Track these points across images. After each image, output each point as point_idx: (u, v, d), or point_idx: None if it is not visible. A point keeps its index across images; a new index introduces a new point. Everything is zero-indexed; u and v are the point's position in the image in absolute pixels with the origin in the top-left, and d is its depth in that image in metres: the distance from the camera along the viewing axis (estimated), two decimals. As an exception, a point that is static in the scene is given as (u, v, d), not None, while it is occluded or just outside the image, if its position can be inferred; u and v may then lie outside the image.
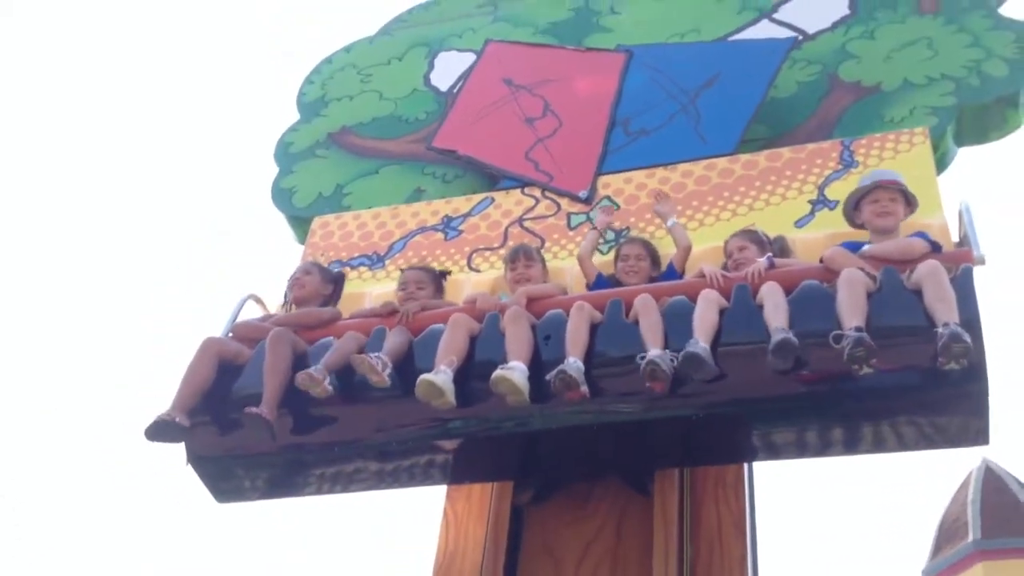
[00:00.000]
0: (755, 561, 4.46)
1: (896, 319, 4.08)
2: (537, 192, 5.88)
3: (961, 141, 5.66)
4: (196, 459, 4.73)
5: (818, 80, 6.04)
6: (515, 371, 4.17)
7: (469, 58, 7.00)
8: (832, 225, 5.09)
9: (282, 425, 4.56)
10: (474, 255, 5.69)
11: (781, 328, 4.01)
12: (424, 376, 4.20)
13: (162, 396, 4.63)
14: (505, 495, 4.79)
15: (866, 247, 4.47)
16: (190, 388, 4.62)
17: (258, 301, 5.55)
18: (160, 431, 4.45)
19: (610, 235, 5.49)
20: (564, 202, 5.78)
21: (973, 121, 5.63)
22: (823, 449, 4.36)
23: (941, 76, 5.73)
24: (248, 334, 5.00)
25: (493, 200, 5.94)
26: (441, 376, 4.22)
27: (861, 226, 4.71)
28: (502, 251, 5.62)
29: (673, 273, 4.95)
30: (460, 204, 5.99)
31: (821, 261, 4.50)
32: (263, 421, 4.35)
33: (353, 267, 5.86)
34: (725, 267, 4.88)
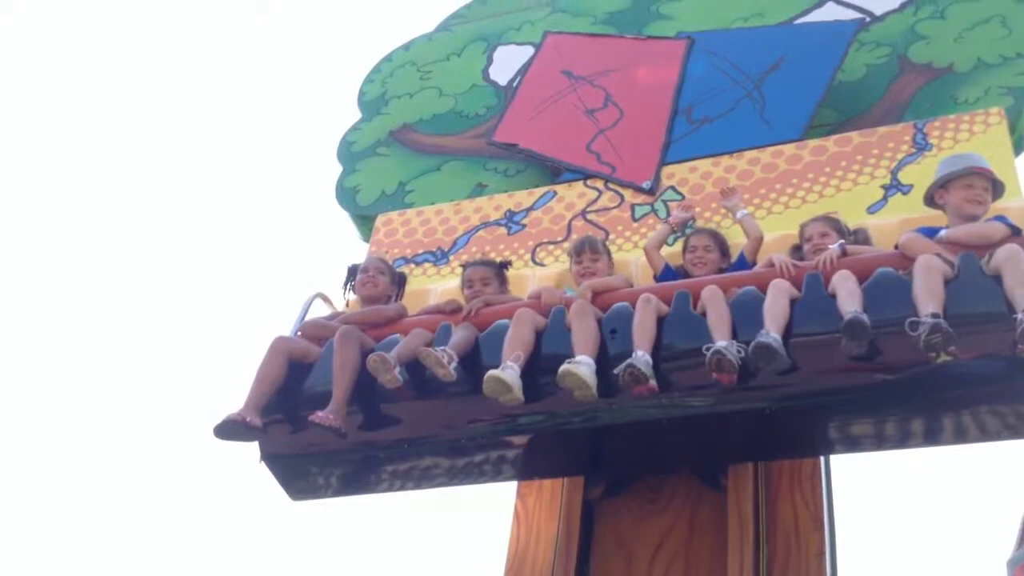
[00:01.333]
0: (834, 556, 4.36)
1: (975, 305, 3.95)
2: (600, 184, 5.82)
3: (1039, 121, 5.48)
4: (269, 457, 4.75)
5: (887, 62, 5.89)
6: (582, 365, 4.12)
7: (528, 51, 6.95)
8: (906, 210, 4.96)
9: (352, 423, 4.55)
10: (538, 249, 5.65)
11: (855, 310, 3.90)
12: (491, 372, 4.16)
13: (232, 395, 4.66)
14: (576, 490, 4.74)
15: (943, 232, 4.33)
16: (261, 388, 4.64)
17: (325, 299, 5.56)
18: (230, 431, 4.47)
19: (676, 225, 5.41)
20: (628, 193, 5.71)
21: (1051, 100, 5.44)
22: (902, 441, 4.24)
23: (1016, 55, 5.55)
24: (317, 332, 5.00)
25: (555, 193, 5.89)
26: (508, 372, 4.18)
27: (940, 207, 4.56)
28: (566, 244, 5.58)
29: (744, 263, 4.86)
30: (522, 198, 5.94)
31: (896, 247, 4.37)
32: (330, 429, 4.35)
33: (418, 264, 5.85)
34: (801, 250, 4.77)
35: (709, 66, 6.17)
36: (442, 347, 4.35)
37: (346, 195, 6.60)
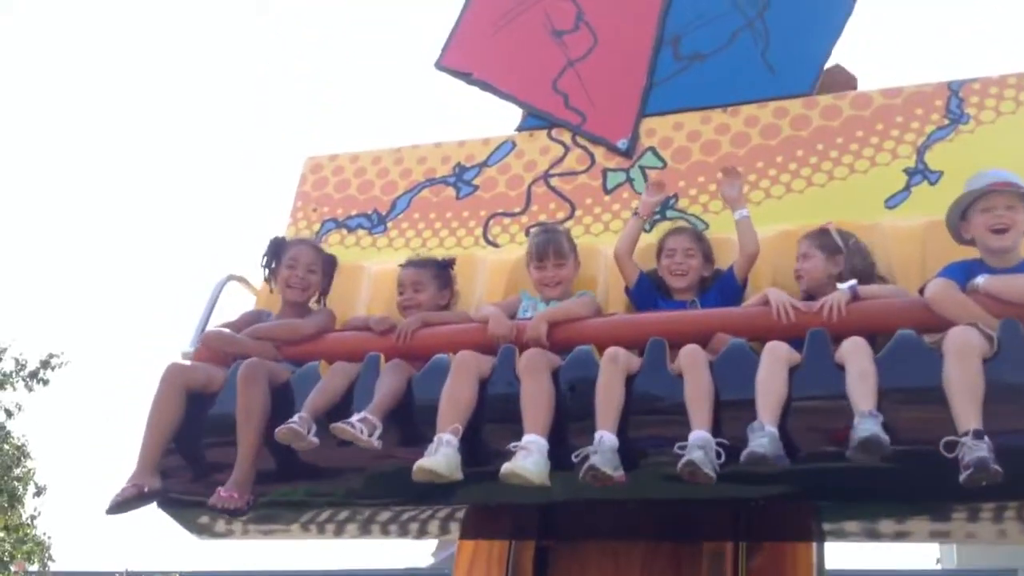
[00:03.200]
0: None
1: (1016, 395, 3.19)
2: (567, 137, 4.86)
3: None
4: (168, 504, 4.06)
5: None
6: (530, 457, 3.36)
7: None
8: (933, 207, 4.07)
9: (260, 478, 3.84)
10: (491, 222, 4.77)
11: (868, 414, 3.13)
12: (421, 463, 3.41)
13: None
14: (527, 544, 4.10)
15: (981, 280, 3.49)
16: (156, 438, 3.91)
17: (241, 281, 4.74)
18: (127, 505, 3.78)
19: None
20: (599, 153, 4.77)
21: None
22: (907, 538, 3.57)
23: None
24: (221, 347, 4.22)
25: (514, 146, 4.94)
26: (442, 455, 3.42)
27: (970, 242, 3.70)
28: (524, 218, 4.71)
29: (732, 282, 4.03)
30: (475, 149, 4.99)
31: (921, 293, 3.55)
32: (232, 512, 3.65)
33: (350, 229, 4.97)
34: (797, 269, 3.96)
35: (703, -21, 5.07)
36: (361, 415, 3.57)
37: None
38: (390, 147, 5.15)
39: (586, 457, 3.33)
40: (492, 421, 3.63)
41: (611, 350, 3.58)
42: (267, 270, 4.57)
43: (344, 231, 4.96)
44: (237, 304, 4.77)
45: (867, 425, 3.09)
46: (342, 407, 3.76)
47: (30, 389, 16.10)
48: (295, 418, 3.64)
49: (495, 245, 4.69)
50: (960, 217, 3.71)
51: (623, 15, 5.07)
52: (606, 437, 3.38)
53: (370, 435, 3.54)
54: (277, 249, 4.55)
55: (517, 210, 4.74)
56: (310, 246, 4.57)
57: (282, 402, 3.89)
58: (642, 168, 4.65)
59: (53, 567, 15.59)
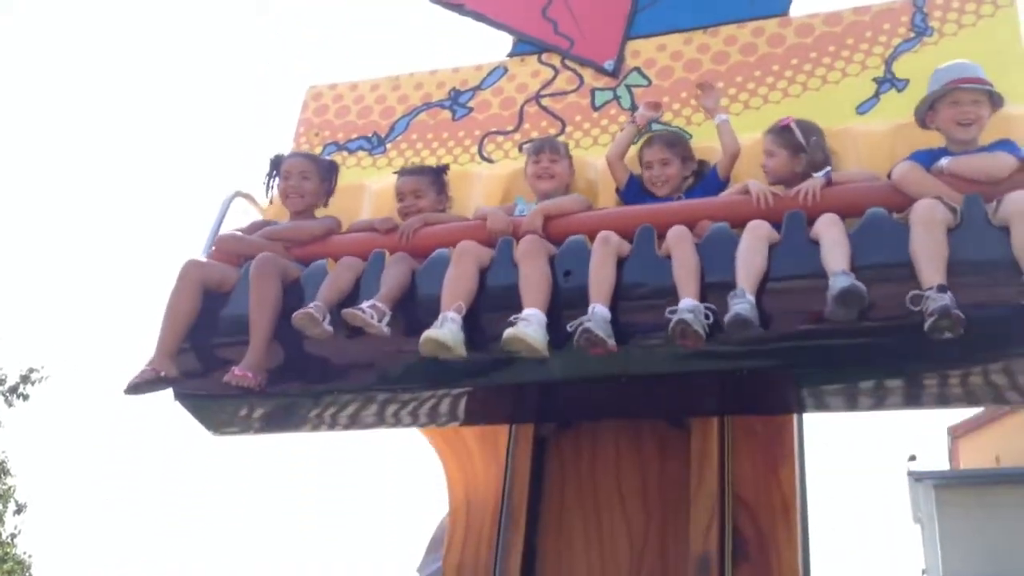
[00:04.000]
0: (804, 508, 4.05)
1: (978, 266, 3.47)
2: (556, 60, 5.12)
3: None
4: (184, 397, 4.30)
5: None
6: (530, 325, 3.62)
7: None
8: (900, 112, 4.36)
9: (273, 363, 4.09)
10: (486, 140, 5.02)
11: (843, 272, 3.40)
12: (428, 333, 3.66)
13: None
14: (526, 428, 4.36)
15: (944, 161, 3.78)
16: (174, 328, 4.14)
17: (248, 198, 4.97)
18: (144, 387, 4.01)
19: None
20: (587, 74, 5.03)
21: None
22: (883, 403, 3.85)
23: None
24: (234, 248, 4.46)
25: (506, 70, 5.19)
26: (447, 330, 3.68)
27: (935, 130, 3.99)
28: (517, 136, 4.97)
29: (716, 180, 4.29)
30: (469, 75, 5.25)
31: (889, 177, 3.84)
32: (247, 389, 3.89)
33: (351, 151, 5.22)
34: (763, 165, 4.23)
35: (685, -89, 5.33)
36: (370, 302, 3.82)
37: None
38: (388, 76, 5.40)
39: (580, 324, 3.59)
40: (492, 309, 3.88)
41: (603, 233, 3.85)
42: (267, 187, 4.82)
43: (345, 153, 5.19)
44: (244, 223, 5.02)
45: (843, 279, 3.36)
46: (351, 299, 4.01)
47: (10, 404, 16.00)
48: (311, 305, 3.88)
49: (490, 161, 4.94)
50: (928, 107, 3.99)
51: (608, -53, 5.33)
52: (599, 308, 3.64)
53: (380, 320, 3.79)
54: (274, 165, 4.80)
55: (510, 128, 4.99)
56: (301, 155, 4.83)
57: (293, 297, 4.13)
58: (628, 87, 4.91)
59: None
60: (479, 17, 5.41)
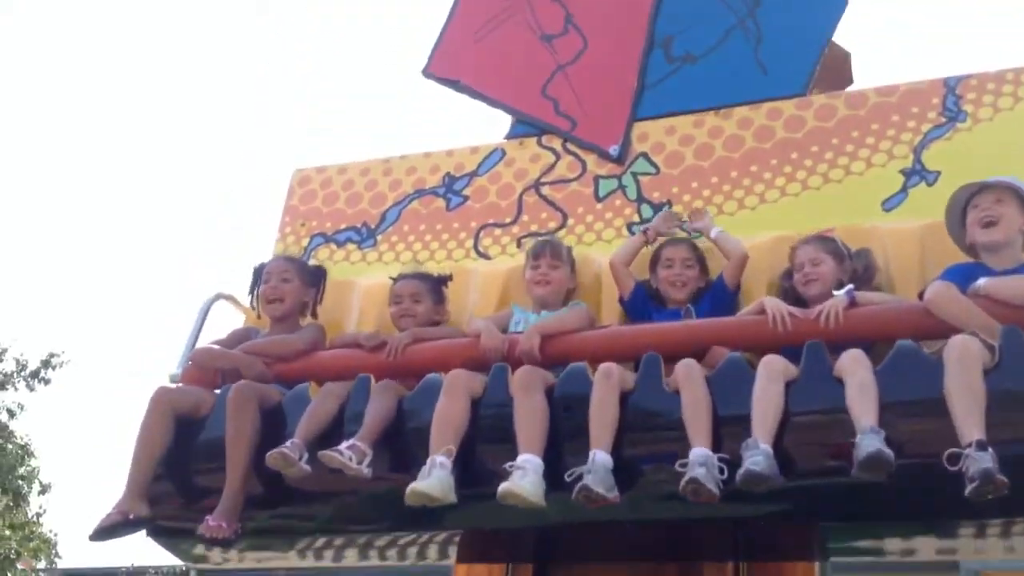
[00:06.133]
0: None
1: (1019, 404, 3.10)
2: (557, 144, 4.78)
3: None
4: (158, 533, 3.98)
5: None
6: (526, 476, 3.27)
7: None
8: (930, 208, 3.99)
9: (251, 503, 3.77)
10: (482, 233, 4.68)
11: (871, 430, 3.04)
12: (415, 486, 3.32)
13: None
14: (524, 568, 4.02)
15: (982, 282, 3.41)
16: (145, 463, 3.83)
17: (231, 300, 4.66)
18: (113, 532, 3.71)
19: (647, 210, 4.45)
20: (590, 160, 4.68)
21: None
22: (911, 555, 3.49)
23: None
24: (210, 364, 4.15)
25: (504, 154, 4.85)
26: (435, 479, 3.34)
27: (972, 248, 3.62)
28: (515, 229, 4.64)
29: (724, 290, 3.94)
30: (464, 158, 4.91)
31: (920, 297, 3.47)
32: (220, 541, 3.58)
33: (339, 244, 4.89)
34: (790, 275, 3.87)
35: (694, -25, 4.97)
36: (350, 442, 3.49)
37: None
38: (379, 158, 5.07)
39: (579, 477, 3.25)
40: (486, 441, 3.55)
41: (605, 366, 3.50)
42: (252, 296, 4.51)
43: (333, 246, 4.88)
44: (227, 326, 4.72)
45: (870, 441, 3.00)
46: (333, 430, 3.69)
47: (31, 389, 16.21)
48: (287, 443, 3.56)
49: (486, 257, 4.60)
50: (960, 225, 3.63)
51: (613, 17, 4.98)
52: (599, 456, 3.29)
53: (359, 463, 3.46)
54: (257, 273, 4.49)
55: (508, 220, 4.66)
56: (281, 258, 4.52)
57: (273, 426, 3.81)
58: (634, 175, 4.56)
59: (60, 564, 15.59)
60: (475, 94, 5.08)
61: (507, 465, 3.34)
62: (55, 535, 15.61)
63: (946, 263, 3.67)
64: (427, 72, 5.23)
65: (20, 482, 15.79)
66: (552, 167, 4.71)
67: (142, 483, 3.81)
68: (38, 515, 15.93)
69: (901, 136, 4.23)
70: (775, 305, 3.60)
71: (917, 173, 4.13)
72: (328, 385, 3.86)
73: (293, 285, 4.38)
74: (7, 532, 13.82)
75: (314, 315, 4.45)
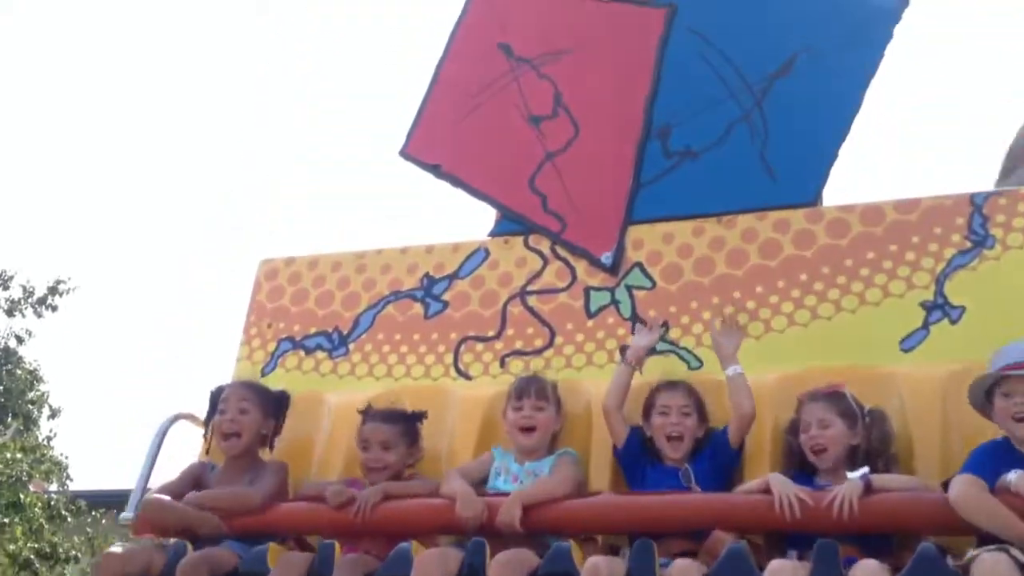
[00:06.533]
0: None
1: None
2: (545, 246, 4.38)
3: None
4: None
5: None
6: None
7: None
8: (954, 350, 3.65)
9: None
10: (463, 348, 4.30)
11: None
12: None
13: None
14: None
15: (1013, 477, 3.05)
16: None
17: (190, 419, 4.30)
18: None
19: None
20: (580, 267, 4.29)
21: None
22: None
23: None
24: (160, 520, 3.81)
25: (488, 255, 4.45)
26: None
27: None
28: (499, 344, 4.26)
29: (725, 445, 3.59)
30: (444, 256, 4.51)
31: (944, 487, 3.12)
32: None
33: (308, 351, 4.52)
34: (795, 429, 3.52)
35: (695, 56, 4.53)
36: None
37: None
38: (352, 251, 4.67)
39: None
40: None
41: (591, 563, 3.14)
42: (207, 427, 4.16)
43: (302, 352, 4.51)
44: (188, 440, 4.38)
45: None
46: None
47: (39, 316, 16.17)
48: None
49: (467, 377, 4.24)
50: (986, 399, 3.27)
51: (606, 102, 4.54)
52: None
53: None
54: (214, 399, 4.13)
55: (491, 334, 4.28)
56: (240, 385, 4.14)
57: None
58: (628, 287, 4.18)
59: (72, 487, 15.59)
60: (457, 183, 4.67)
61: None
62: (66, 458, 15.57)
63: (971, 417, 3.33)
64: (404, 153, 4.81)
65: (30, 406, 15.96)
66: (539, 273, 4.33)
67: None
68: (48, 439, 15.95)
69: (922, 262, 3.84)
70: (782, 488, 3.24)
71: (939, 308, 3.75)
72: (287, 556, 3.52)
73: (251, 417, 4.02)
74: (18, 455, 13.73)
75: (271, 447, 4.09)
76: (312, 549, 3.67)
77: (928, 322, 3.75)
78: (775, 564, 3.04)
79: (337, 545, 3.50)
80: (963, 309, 3.72)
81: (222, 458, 4.06)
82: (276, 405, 4.10)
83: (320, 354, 4.48)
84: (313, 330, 4.54)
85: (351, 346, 4.45)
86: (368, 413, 3.95)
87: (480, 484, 3.70)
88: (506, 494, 3.54)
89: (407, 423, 3.90)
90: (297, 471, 4.04)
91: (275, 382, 4.31)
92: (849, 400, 3.47)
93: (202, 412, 4.23)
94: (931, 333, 3.74)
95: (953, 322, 3.72)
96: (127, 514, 3.93)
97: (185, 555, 3.58)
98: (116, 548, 3.74)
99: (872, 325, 3.81)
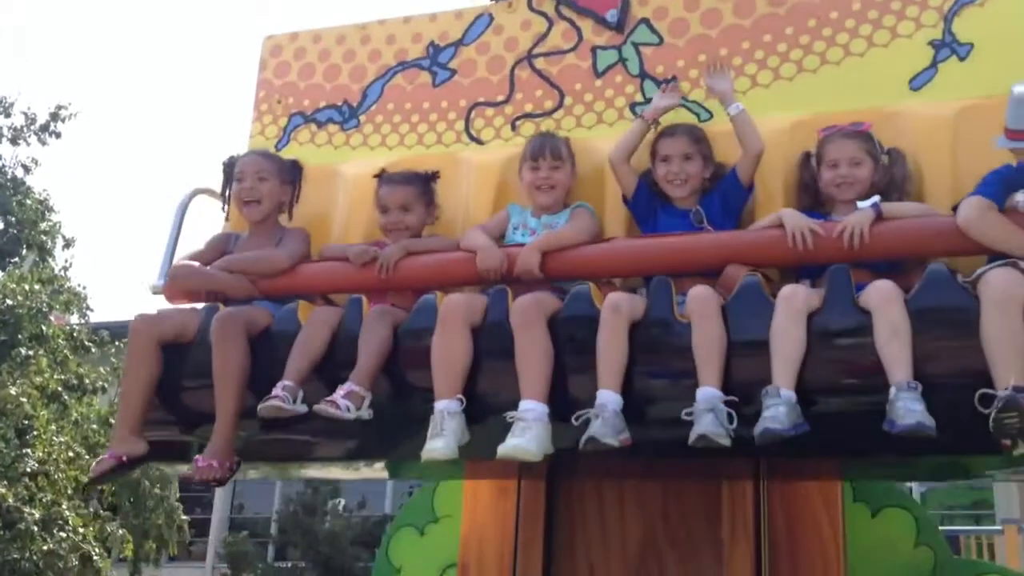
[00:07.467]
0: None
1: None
2: (549, 7, 4.33)
3: None
4: (160, 455, 3.88)
5: None
6: (529, 431, 3.10)
7: None
8: (963, 87, 3.69)
9: (244, 442, 3.65)
10: (473, 113, 4.32)
11: (907, 386, 2.85)
12: (428, 451, 3.16)
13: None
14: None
15: (1021, 197, 3.15)
16: (133, 400, 3.69)
17: (209, 193, 4.38)
18: (106, 478, 3.63)
19: (650, 87, 4.09)
20: (586, 27, 4.26)
21: None
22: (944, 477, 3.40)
23: None
24: (190, 286, 3.95)
25: (492, 20, 4.41)
26: (441, 442, 3.17)
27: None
28: (508, 108, 4.28)
29: (736, 185, 3.65)
30: (448, 24, 4.47)
31: (954, 211, 3.22)
32: (214, 482, 3.47)
33: (320, 124, 4.54)
34: (818, 166, 3.58)
35: None
36: (346, 387, 3.31)
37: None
38: (354, 23, 4.63)
39: (587, 421, 3.10)
40: (488, 374, 3.37)
41: (611, 299, 3.27)
42: (224, 199, 4.24)
43: (313, 126, 4.53)
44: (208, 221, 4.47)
45: (907, 409, 2.81)
46: (327, 362, 3.52)
47: (43, 143, 16.01)
48: (278, 389, 3.38)
49: (479, 141, 4.27)
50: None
51: None
52: (607, 398, 3.12)
53: (358, 409, 3.31)
54: (228, 170, 4.19)
55: (500, 99, 4.29)
56: (255, 154, 4.23)
57: (262, 352, 3.63)
58: (635, 45, 4.16)
59: (92, 319, 15.59)
60: (459, -53, 4.57)
61: (507, 416, 3.17)
62: (84, 288, 15.48)
63: (982, 151, 3.40)
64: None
65: (43, 237, 15.69)
66: (545, 36, 4.29)
67: (133, 421, 3.68)
68: (65, 269, 15.86)
69: (929, 0, 3.82)
70: (795, 221, 3.35)
71: (948, 46, 3.76)
72: (317, 312, 3.65)
73: (270, 185, 4.10)
74: (36, 287, 13.67)
75: (290, 214, 4.19)
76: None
77: (936, 61, 3.76)
78: (788, 288, 3.18)
79: (364, 299, 3.64)
80: (971, 46, 3.72)
81: (245, 229, 4.16)
82: (292, 173, 4.18)
83: (332, 127, 4.50)
84: (323, 104, 4.54)
85: (362, 118, 4.47)
86: (383, 177, 4.03)
87: (499, 240, 3.80)
88: (525, 247, 3.66)
89: (423, 184, 3.99)
90: (317, 243, 4.13)
91: (289, 156, 4.36)
92: (875, 140, 3.53)
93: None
94: (939, 71, 3.75)
95: (961, 60, 3.74)
96: (157, 282, 4.03)
97: (218, 317, 3.73)
98: (157, 282, 3.89)
99: (881, 66, 3.81)
